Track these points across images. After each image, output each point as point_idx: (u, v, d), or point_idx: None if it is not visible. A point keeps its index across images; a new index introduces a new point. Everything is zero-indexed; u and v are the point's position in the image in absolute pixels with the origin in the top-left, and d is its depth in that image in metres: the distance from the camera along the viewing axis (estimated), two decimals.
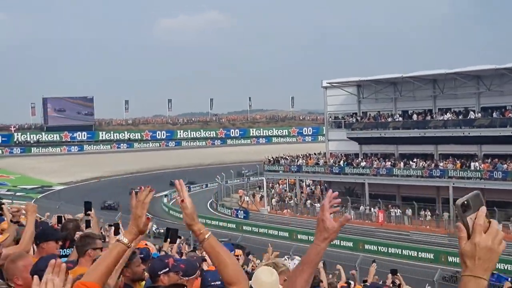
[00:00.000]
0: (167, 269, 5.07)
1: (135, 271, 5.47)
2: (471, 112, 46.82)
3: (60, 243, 6.11)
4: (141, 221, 3.37)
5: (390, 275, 12.76)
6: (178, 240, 12.12)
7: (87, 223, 10.21)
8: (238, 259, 6.34)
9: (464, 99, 47.98)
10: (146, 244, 8.50)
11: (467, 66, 46.77)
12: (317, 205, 52.14)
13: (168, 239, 7.48)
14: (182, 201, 3.43)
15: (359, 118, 54.28)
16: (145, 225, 3.39)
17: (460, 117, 47.12)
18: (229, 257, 3.29)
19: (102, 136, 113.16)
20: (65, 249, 6.44)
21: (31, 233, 5.75)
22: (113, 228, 7.34)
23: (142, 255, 6.48)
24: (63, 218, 9.68)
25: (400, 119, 51.05)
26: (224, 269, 3.22)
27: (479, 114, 45.95)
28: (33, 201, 54.21)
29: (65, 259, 5.84)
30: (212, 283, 4.88)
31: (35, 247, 6.07)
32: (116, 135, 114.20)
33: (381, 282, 11.33)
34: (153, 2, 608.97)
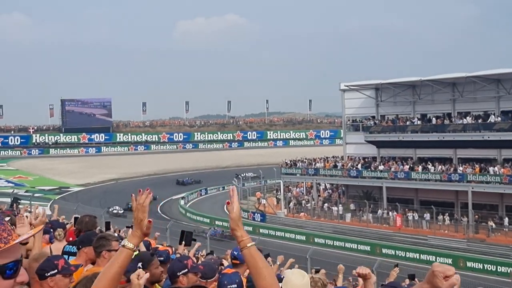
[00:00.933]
0: (186, 270, 5.06)
1: (153, 272, 5.47)
2: (491, 116, 46.37)
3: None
4: (144, 224, 3.40)
5: (407, 280, 12.58)
6: (196, 245, 12.10)
7: (106, 225, 10.20)
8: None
9: (483, 102, 47.53)
10: (166, 246, 8.45)
11: (487, 70, 46.37)
12: (334, 208, 51.99)
13: (183, 242, 7.43)
14: (228, 203, 3.41)
15: (377, 122, 53.98)
16: (148, 228, 3.42)
17: (480, 121, 46.67)
18: (267, 268, 3.31)
19: (119, 138, 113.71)
20: (71, 246, 6.40)
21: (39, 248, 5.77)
22: (130, 230, 7.26)
23: (162, 258, 6.44)
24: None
25: (419, 122, 50.67)
26: (260, 279, 3.24)
27: (499, 118, 45.48)
28: (50, 202, 54.64)
29: (72, 257, 5.85)
30: (228, 286, 4.81)
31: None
32: (134, 137, 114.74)
33: None
34: (172, 5, 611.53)
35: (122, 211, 52.90)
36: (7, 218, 8.04)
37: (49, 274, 4.34)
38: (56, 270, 4.36)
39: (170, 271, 5.13)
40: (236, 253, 6.15)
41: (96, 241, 5.77)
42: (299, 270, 4.37)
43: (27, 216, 6.16)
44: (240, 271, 5.70)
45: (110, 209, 53.95)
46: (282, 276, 7.87)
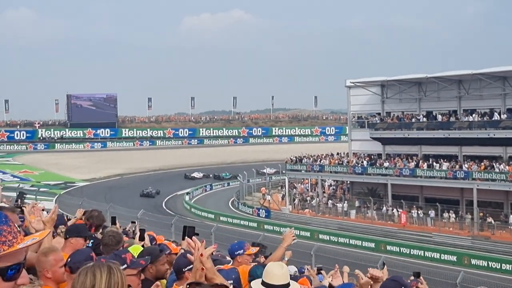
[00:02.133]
0: (192, 265, 5.06)
1: (159, 269, 5.52)
2: (496, 114, 46.27)
3: (87, 241, 6.15)
4: (198, 273, 3.56)
5: (412, 278, 12.53)
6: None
7: (112, 219, 10.22)
8: (257, 254, 6.44)
9: (489, 100, 47.44)
10: (170, 241, 8.48)
11: (493, 67, 46.24)
12: (339, 205, 51.98)
13: (186, 237, 7.44)
14: (202, 255, 3.51)
15: (382, 118, 53.92)
16: (200, 277, 3.58)
17: (485, 118, 46.57)
18: None
19: (125, 133, 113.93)
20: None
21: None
22: (138, 234, 7.32)
23: (168, 252, 6.50)
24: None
25: (424, 119, 50.59)
26: None
27: (505, 116, 45.37)
28: (56, 197, 54.82)
29: None
30: (184, 269, 4.96)
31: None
32: (139, 133, 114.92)
33: None
34: (177, 1, 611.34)
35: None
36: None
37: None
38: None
39: (176, 267, 5.15)
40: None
41: (107, 238, 5.86)
42: (278, 262, 4.57)
43: (43, 209, 6.19)
44: (240, 264, 5.75)
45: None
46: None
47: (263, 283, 4.30)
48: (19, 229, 2.19)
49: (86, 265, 3.12)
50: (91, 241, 6.22)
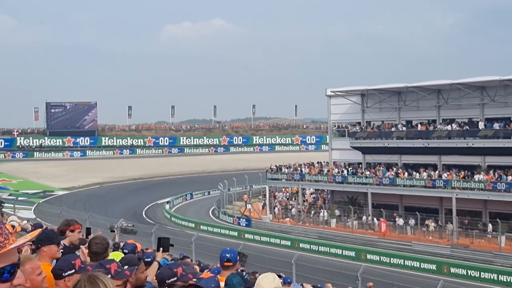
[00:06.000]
0: (175, 278, 5.01)
1: (138, 277, 5.50)
2: (475, 123, 46.71)
3: (60, 246, 6.09)
4: None
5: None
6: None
7: (87, 230, 10.12)
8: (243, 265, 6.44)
9: (468, 109, 47.87)
10: (147, 249, 8.44)
11: (472, 77, 46.70)
12: (320, 214, 52.06)
13: (161, 249, 7.41)
14: None
15: (363, 127, 54.17)
16: None
17: (464, 127, 46.98)
18: None
19: (105, 142, 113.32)
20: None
21: None
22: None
23: (149, 259, 6.45)
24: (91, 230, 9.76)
25: (404, 129, 50.92)
26: None
27: (483, 125, 45.80)
28: (34, 206, 54.31)
29: None
30: (167, 281, 4.93)
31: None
32: (119, 141, 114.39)
33: None
34: (159, 9, 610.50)
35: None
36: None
37: (66, 274, 4.35)
38: (73, 270, 4.37)
39: (159, 278, 5.12)
40: (228, 255, 6.16)
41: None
42: (271, 273, 4.47)
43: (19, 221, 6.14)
44: (229, 272, 5.72)
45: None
46: None
47: None
48: (9, 231, 2.20)
49: (83, 275, 3.11)
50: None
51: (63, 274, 4.35)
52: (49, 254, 5.61)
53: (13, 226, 8.48)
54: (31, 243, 6.16)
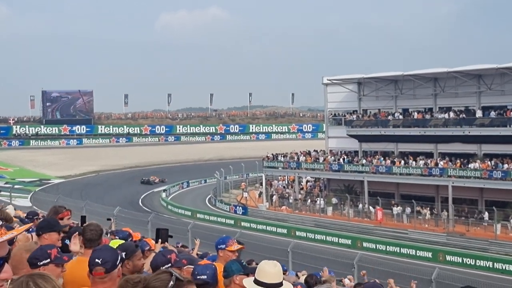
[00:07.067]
0: (170, 264, 5.03)
1: (135, 264, 5.54)
2: (472, 111, 46.75)
3: (61, 234, 6.12)
4: None
5: (391, 280, 12.37)
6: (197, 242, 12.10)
7: (82, 219, 10.10)
8: (239, 253, 6.43)
9: (465, 98, 47.89)
10: (143, 237, 8.46)
11: (468, 65, 46.67)
12: (316, 202, 52.14)
13: (160, 240, 7.41)
14: None
15: (359, 116, 54.19)
16: None
17: (461, 116, 47.02)
18: None
19: (101, 130, 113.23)
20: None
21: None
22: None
23: (148, 248, 6.45)
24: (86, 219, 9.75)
25: (401, 117, 50.96)
26: None
27: (480, 113, 45.84)
28: (31, 194, 54.28)
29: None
30: (199, 277, 4.92)
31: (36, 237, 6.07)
32: (115, 129, 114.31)
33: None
34: None
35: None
36: None
37: (41, 263, 4.31)
38: (48, 259, 4.34)
39: (154, 265, 5.13)
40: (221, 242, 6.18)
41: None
42: (271, 261, 4.52)
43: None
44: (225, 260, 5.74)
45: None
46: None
47: (255, 281, 4.31)
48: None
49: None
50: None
51: (38, 263, 4.31)
52: (49, 242, 5.62)
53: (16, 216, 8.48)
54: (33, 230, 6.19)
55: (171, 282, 2.88)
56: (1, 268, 2.14)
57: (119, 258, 4.42)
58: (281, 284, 4.29)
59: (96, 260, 4.33)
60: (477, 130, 45.11)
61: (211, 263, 5.61)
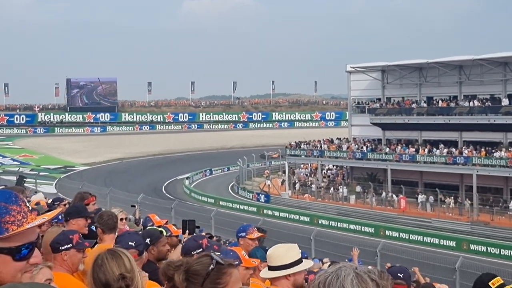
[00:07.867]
0: (201, 249, 5.07)
1: (160, 250, 5.60)
2: (497, 99, 46.22)
3: (88, 220, 6.20)
4: None
5: (416, 269, 12.20)
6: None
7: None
8: (259, 240, 6.43)
9: (490, 85, 47.36)
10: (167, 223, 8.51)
11: (494, 53, 46.10)
12: (339, 190, 52.04)
13: (187, 231, 7.44)
14: None
15: (383, 104, 53.87)
16: None
17: (486, 104, 46.52)
18: None
19: (124, 118, 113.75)
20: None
21: None
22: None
23: (169, 234, 6.50)
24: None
25: (425, 105, 50.56)
26: None
27: (506, 101, 45.30)
28: (56, 181, 54.84)
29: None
30: (193, 252, 4.95)
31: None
32: (139, 117, 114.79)
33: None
34: None
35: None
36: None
37: (63, 248, 4.38)
38: (70, 245, 4.40)
39: (185, 250, 5.17)
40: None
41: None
42: (284, 244, 4.55)
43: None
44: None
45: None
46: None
47: (269, 268, 4.33)
48: (29, 208, 2.17)
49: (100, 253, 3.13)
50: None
51: (60, 248, 4.39)
52: (77, 227, 5.72)
53: (37, 204, 8.56)
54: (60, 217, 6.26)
55: (211, 266, 2.93)
56: (31, 252, 2.16)
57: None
58: (299, 261, 4.29)
59: (130, 243, 4.38)
60: (502, 118, 44.62)
61: (234, 250, 5.64)
